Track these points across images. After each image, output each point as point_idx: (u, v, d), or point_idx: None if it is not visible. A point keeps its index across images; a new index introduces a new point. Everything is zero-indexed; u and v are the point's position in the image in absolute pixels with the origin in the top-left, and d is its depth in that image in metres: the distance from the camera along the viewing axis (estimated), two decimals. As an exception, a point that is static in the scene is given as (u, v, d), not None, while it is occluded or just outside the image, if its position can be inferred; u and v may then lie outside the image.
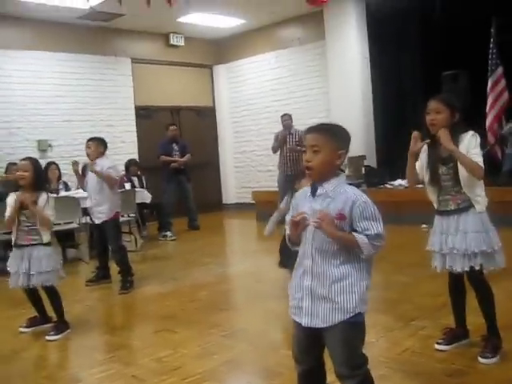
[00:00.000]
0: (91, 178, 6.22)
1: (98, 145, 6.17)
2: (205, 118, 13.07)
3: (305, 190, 2.53)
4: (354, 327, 2.40)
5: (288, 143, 9.94)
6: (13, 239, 4.53)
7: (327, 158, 2.39)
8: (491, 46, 9.43)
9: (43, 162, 9.29)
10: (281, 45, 11.99)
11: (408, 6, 9.98)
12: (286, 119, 10.02)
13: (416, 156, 3.54)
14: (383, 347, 3.79)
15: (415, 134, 3.49)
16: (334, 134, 2.43)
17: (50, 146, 10.41)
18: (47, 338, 4.47)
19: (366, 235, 2.34)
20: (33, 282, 4.46)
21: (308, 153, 2.42)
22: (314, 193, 2.45)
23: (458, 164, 3.36)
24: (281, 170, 10.07)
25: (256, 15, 11.25)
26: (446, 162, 3.42)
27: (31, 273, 4.42)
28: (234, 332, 4.40)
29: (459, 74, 10.11)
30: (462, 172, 3.35)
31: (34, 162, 4.60)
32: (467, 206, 3.41)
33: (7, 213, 4.50)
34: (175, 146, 10.05)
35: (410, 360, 3.53)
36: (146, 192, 9.17)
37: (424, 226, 7.85)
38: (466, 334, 3.69)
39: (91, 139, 6.30)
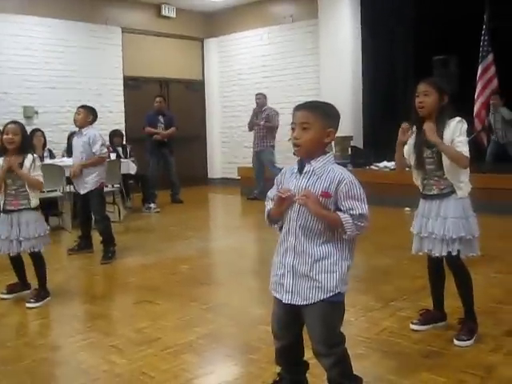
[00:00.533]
0: (76, 148, 6.18)
1: (88, 113, 6.09)
2: (194, 91, 12.99)
3: (291, 167, 2.53)
4: (333, 306, 2.43)
5: (258, 121, 10.28)
6: (1, 204, 4.50)
7: (316, 135, 2.39)
8: (483, 32, 9.43)
9: (29, 129, 9.27)
10: (273, 21, 11.90)
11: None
12: (259, 97, 10.45)
13: (404, 145, 3.57)
14: (362, 327, 3.82)
15: (404, 125, 3.51)
16: (324, 112, 2.43)
17: (36, 112, 10.29)
18: (28, 305, 4.46)
19: (351, 215, 2.35)
20: (22, 248, 4.45)
21: (297, 130, 2.41)
22: (301, 170, 2.45)
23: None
24: (253, 147, 10.42)
25: (249, -11, 11.14)
26: (430, 146, 3.42)
27: (20, 239, 4.41)
28: (215, 306, 4.42)
29: (450, 59, 10.13)
30: (446, 160, 3.37)
31: (21, 126, 4.57)
32: (450, 192, 3.43)
33: None
34: (161, 119, 9.99)
35: (388, 340, 3.57)
36: (131, 163, 9.12)
37: (407, 209, 7.92)
38: (443, 316, 3.73)
39: (82, 106, 6.21)
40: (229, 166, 12.66)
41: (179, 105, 12.25)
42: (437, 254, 3.45)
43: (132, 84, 11.80)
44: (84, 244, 6.35)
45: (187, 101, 12.73)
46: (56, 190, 7.75)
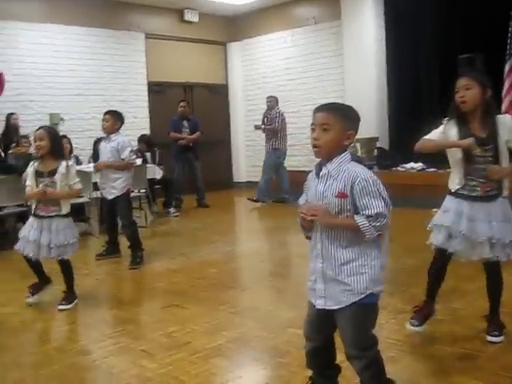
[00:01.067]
0: (104, 153, 6.17)
1: (116, 119, 6.05)
2: (217, 95, 12.99)
3: (312, 171, 2.52)
4: (365, 308, 2.41)
5: (266, 124, 10.37)
6: (32, 208, 4.54)
7: (336, 137, 2.38)
8: (510, 29, 9.28)
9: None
10: (296, 23, 11.85)
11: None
12: (270, 100, 10.52)
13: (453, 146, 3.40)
14: (392, 329, 3.78)
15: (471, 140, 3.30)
16: (344, 114, 2.42)
17: (61, 119, 10.33)
18: (59, 307, 4.52)
19: (367, 216, 2.32)
20: (52, 255, 4.47)
21: (317, 131, 2.40)
22: (318, 173, 2.45)
23: (500, 149, 3.28)
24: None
25: (272, -8, 11.13)
26: (484, 143, 3.27)
27: (51, 245, 4.43)
28: (243, 310, 4.41)
29: (475, 58, 9.96)
30: (505, 162, 3.27)
31: (48, 129, 4.60)
32: (496, 194, 3.34)
33: (28, 182, 4.51)
34: (186, 123, 10.03)
35: (419, 343, 3.52)
36: (157, 168, 9.15)
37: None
38: (433, 311, 3.70)
39: (109, 112, 6.15)
40: (253, 170, 12.61)
41: (203, 109, 12.27)
42: (475, 257, 3.37)
43: (156, 89, 11.84)
44: (111, 249, 6.38)
45: (211, 105, 12.74)
46: (83, 196, 7.80)
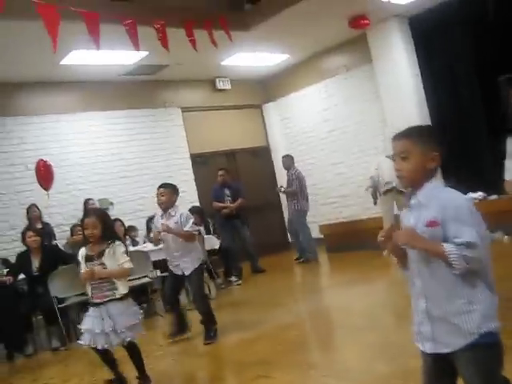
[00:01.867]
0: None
1: (172, 193, 5.79)
2: (260, 158, 12.88)
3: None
4: (481, 349, 2.08)
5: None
6: (89, 295, 4.36)
7: (417, 163, 2.17)
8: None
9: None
10: (328, 74, 11.75)
11: (452, 16, 9.67)
12: (284, 161, 10.58)
13: None
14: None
15: None
16: (421, 136, 2.21)
17: (111, 203, 10.35)
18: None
19: (456, 244, 2.03)
20: (118, 340, 4.23)
21: (397, 161, 2.21)
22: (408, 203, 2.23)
23: None
24: None
25: (299, 48, 11.08)
26: None
27: (117, 330, 4.20)
28: (337, 371, 4.06)
29: (516, 76, 9.69)
30: None
31: (99, 214, 4.45)
32: None
33: (80, 268, 4.36)
34: (227, 191, 9.88)
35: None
36: (213, 238, 8.95)
37: (506, 237, 7.40)
38: None
39: (164, 185, 5.85)
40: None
41: (248, 173, 12.17)
42: None
43: (199, 160, 11.80)
44: (182, 327, 6.07)
45: (255, 168, 12.62)
46: (145, 276, 7.61)
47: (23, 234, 7.11)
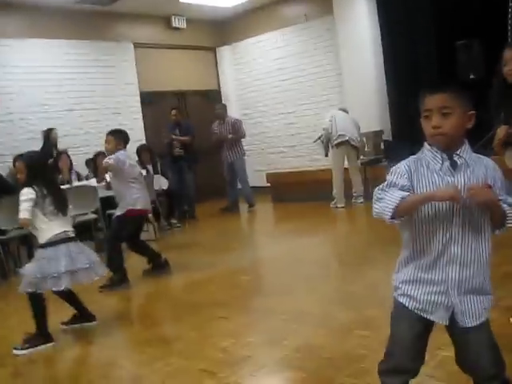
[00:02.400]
0: None
1: (119, 140, 5.61)
2: (211, 101, 12.62)
3: (416, 161, 2.08)
4: (488, 325, 2.09)
5: (221, 133, 10.15)
6: None
7: (460, 120, 2.01)
8: (510, 10, 9.08)
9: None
10: (287, 22, 11.54)
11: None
12: (217, 108, 10.31)
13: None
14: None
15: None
16: (462, 91, 2.04)
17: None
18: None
19: (509, 203, 1.99)
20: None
21: (435, 116, 2.01)
22: (454, 165, 2.03)
23: None
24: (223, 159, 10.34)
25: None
26: None
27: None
28: (296, 316, 4.04)
29: (473, 43, 9.77)
30: None
31: (25, 160, 4.27)
32: None
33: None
34: (177, 130, 9.72)
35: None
36: (162, 178, 8.78)
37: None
38: None
39: (111, 133, 5.69)
40: (255, 174, 12.23)
41: (197, 116, 11.92)
42: None
43: (149, 99, 11.48)
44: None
45: (206, 111, 12.33)
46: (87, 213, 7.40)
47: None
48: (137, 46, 11.32)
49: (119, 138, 5.65)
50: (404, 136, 9.95)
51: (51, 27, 10.09)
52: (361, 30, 10.30)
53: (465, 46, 9.83)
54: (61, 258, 3.99)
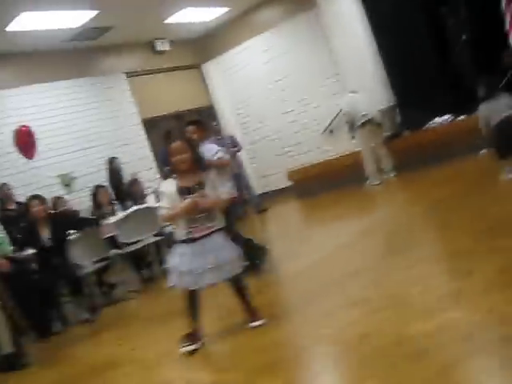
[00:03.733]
0: None
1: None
2: (208, 116, 12.58)
3: None
4: None
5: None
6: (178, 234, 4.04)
7: None
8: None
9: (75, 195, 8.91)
10: (269, 25, 11.61)
11: None
12: (215, 124, 11.25)
13: None
14: None
15: None
16: None
17: (73, 178, 9.80)
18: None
19: None
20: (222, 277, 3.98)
21: None
22: None
23: None
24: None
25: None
26: None
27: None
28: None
29: (460, 6, 10.06)
30: None
31: (185, 139, 4.07)
32: None
33: (163, 204, 4.00)
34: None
35: None
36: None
37: (483, 151, 7.60)
38: None
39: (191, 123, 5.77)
40: (265, 180, 12.25)
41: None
42: None
43: (151, 125, 11.40)
44: None
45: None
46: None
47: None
48: (129, 75, 11.30)
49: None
50: (412, 105, 10.06)
51: (47, 70, 10.01)
52: (347, 16, 10.37)
53: (450, 10, 10.13)
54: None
